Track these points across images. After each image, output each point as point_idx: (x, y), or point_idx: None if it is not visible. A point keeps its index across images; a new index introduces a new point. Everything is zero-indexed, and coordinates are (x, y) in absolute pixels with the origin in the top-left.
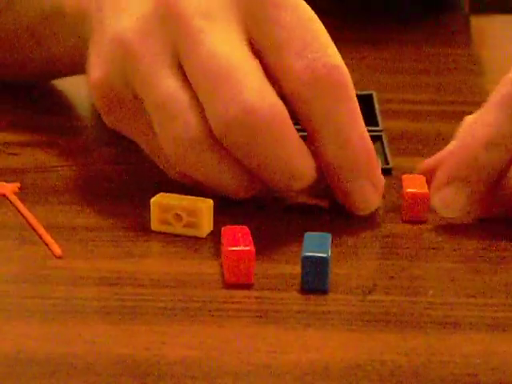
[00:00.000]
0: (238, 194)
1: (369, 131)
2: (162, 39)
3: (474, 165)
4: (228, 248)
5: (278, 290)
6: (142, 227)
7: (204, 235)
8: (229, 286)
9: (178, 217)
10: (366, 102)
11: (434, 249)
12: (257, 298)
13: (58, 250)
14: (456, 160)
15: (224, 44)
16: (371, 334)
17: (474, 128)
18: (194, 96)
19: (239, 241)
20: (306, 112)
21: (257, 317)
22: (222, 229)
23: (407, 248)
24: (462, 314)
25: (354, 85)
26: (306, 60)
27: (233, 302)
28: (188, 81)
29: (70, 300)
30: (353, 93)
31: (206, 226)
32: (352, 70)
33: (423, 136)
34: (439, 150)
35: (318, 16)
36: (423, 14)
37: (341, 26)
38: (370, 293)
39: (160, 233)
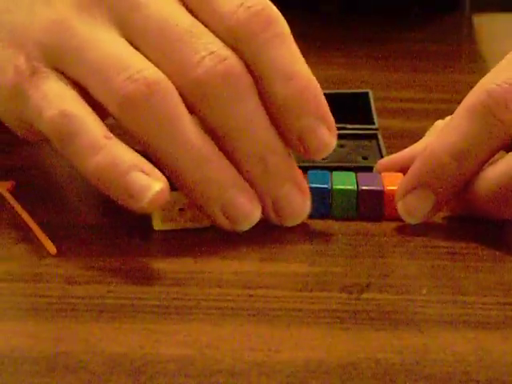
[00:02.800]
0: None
1: (364, 129)
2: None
3: (440, 173)
4: None
5: (272, 288)
6: (136, 225)
7: (209, 224)
8: None
9: (182, 211)
10: (361, 101)
11: (427, 247)
12: (251, 296)
13: (52, 248)
14: (422, 166)
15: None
16: (365, 332)
17: (443, 135)
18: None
19: None
20: (248, 52)
21: (251, 315)
22: None
23: (401, 246)
24: (456, 313)
25: (350, 83)
26: (236, 1)
27: (227, 301)
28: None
29: (65, 298)
30: (288, 29)
31: None
32: (348, 68)
33: (420, 135)
34: None
35: (316, 14)
36: (424, 12)
37: (338, 24)
38: (364, 291)
39: (154, 231)
